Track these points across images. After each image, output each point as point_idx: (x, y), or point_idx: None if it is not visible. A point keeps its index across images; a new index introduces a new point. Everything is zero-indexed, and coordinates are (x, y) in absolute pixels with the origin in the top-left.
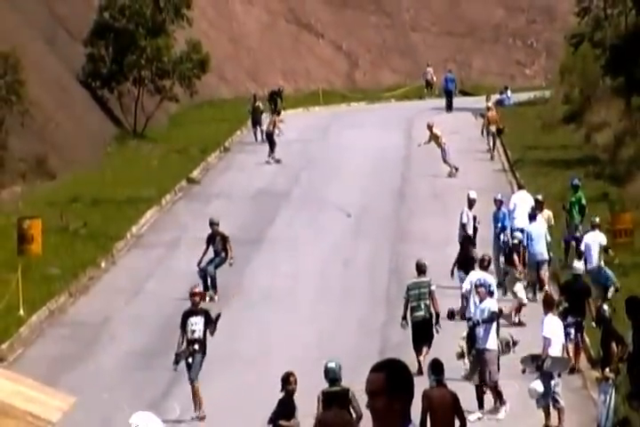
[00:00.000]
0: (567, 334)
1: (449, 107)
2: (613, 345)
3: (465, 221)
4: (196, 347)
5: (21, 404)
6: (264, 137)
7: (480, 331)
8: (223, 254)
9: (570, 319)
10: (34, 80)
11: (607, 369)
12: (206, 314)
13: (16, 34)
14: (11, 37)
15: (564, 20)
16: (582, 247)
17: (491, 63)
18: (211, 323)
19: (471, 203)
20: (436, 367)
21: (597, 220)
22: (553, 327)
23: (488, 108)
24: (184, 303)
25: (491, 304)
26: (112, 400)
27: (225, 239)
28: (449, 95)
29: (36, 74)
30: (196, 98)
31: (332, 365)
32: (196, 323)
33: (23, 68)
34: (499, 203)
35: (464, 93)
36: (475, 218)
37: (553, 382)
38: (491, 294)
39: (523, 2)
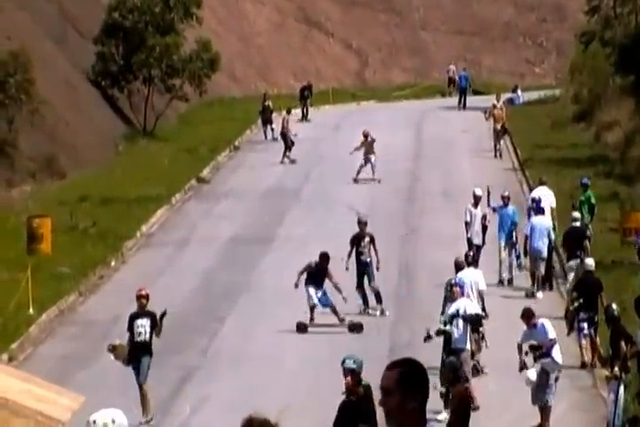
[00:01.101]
0: (580, 330)
1: (463, 105)
2: (622, 344)
3: (468, 219)
4: (143, 349)
5: (31, 403)
6: (277, 136)
7: (454, 330)
8: (369, 259)
9: (582, 315)
10: (43, 79)
11: (616, 368)
12: (152, 316)
13: (26, 33)
14: (20, 36)
15: (573, 18)
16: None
17: (500, 62)
18: (156, 326)
19: (476, 200)
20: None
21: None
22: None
23: (494, 106)
24: (194, 301)
25: (466, 304)
26: (121, 399)
27: (373, 240)
28: (462, 93)
29: (46, 73)
30: (206, 97)
31: (350, 362)
32: (142, 325)
33: (33, 67)
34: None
35: (475, 92)
36: (484, 216)
37: (553, 376)
38: (463, 293)
39: (533, 0)
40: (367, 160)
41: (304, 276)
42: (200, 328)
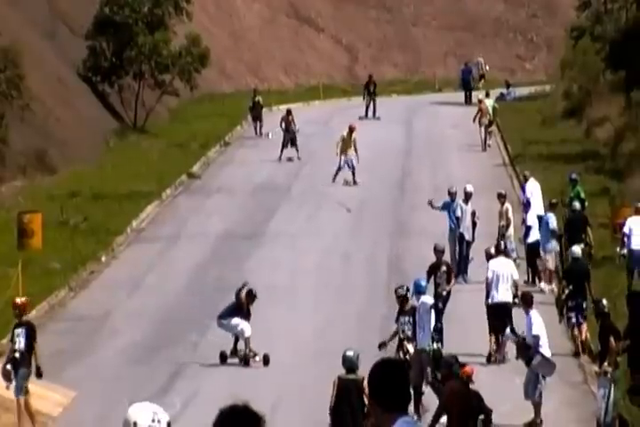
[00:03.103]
0: (569, 318)
1: (468, 99)
2: (612, 340)
3: (459, 214)
4: (18, 360)
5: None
6: (269, 132)
7: (419, 331)
8: (444, 292)
9: (570, 303)
10: (34, 75)
11: (605, 363)
12: (28, 327)
13: (16, 29)
14: (11, 32)
15: (564, 14)
16: (626, 230)
17: (491, 57)
18: (32, 337)
19: (467, 196)
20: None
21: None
22: (539, 325)
23: (480, 101)
24: (185, 297)
25: (424, 299)
26: (112, 394)
27: (450, 271)
28: (467, 88)
29: (37, 68)
30: (197, 92)
31: (349, 353)
32: (18, 335)
33: (23, 62)
34: (452, 195)
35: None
36: (474, 213)
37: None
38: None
39: None
40: (347, 161)
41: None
42: (191, 323)
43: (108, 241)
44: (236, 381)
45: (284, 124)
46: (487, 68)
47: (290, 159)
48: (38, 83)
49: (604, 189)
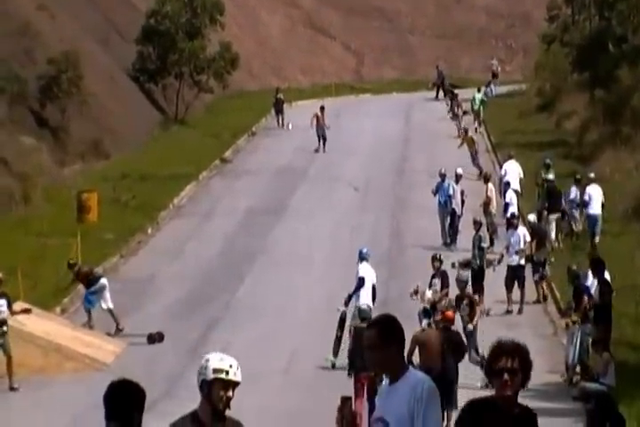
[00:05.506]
0: (536, 272)
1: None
2: (585, 297)
3: (451, 193)
4: (4, 328)
5: (80, 348)
6: (286, 124)
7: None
8: (470, 326)
9: (536, 259)
10: (91, 75)
11: (574, 315)
12: (8, 297)
13: (75, 36)
14: (71, 40)
15: (538, 24)
16: (586, 197)
17: (476, 61)
18: (10, 306)
19: (458, 178)
20: (427, 312)
21: (592, 175)
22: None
23: (466, 132)
24: (217, 262)
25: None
26: (157, 345)
27: (473, 303)
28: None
29: (93, 70)
30: (228, 90)
31: (364, 307)
32: (2, 305)
33: (82, 65)
34: (442, 176)
35: (453, 86)
36: (462, 192)
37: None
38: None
39: (503, 9)
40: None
41: None
42: (223, 285)
43: (153, 215)
44: (263, 333)
45: (314, 121)
46: (500, 68)
47: (316, 151)
48: (94, 82)
49: (572, 172)
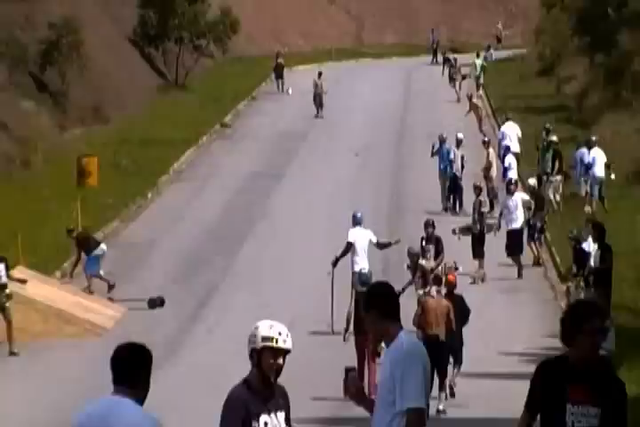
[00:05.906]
0: (531, 236)
1: (435, 60)
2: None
3: (452, 157)
4: (7, 291)
5: (81, 313)
6: (287, 89)
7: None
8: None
9: (532, 222)
10: (91, 39)
11: (575, 280)
12: (6, 260)
13: (76, 1)
14: (71, 3)
15: None
16: (590, 159)
17: (477, 25)
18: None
19: (459, 142)
20: (438, 280)
21: (594, 138)
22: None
23: (470, 98)
24: (217, 226)
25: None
26: (157, 310)
27: (426, 273)
28: (434, 51)
29: (93, 34)
30: (228, 55)
31: (364, 271)
32: (1, 270)
33: (82, 29)
34: (442, 140)
35: (454, 51)
36: (462, 157)
37: None
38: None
39: None
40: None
41: None
42: (223, 250)
43: (153, 180)
44: (262, 298)
45: (313, 86)
46: (504, 33)
47: (316, 116)
48: (95, 46)
49: (572, 136)
